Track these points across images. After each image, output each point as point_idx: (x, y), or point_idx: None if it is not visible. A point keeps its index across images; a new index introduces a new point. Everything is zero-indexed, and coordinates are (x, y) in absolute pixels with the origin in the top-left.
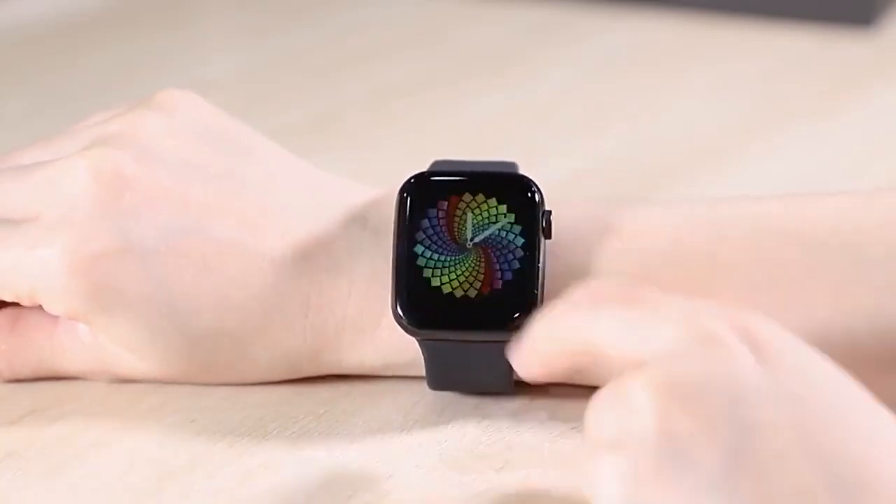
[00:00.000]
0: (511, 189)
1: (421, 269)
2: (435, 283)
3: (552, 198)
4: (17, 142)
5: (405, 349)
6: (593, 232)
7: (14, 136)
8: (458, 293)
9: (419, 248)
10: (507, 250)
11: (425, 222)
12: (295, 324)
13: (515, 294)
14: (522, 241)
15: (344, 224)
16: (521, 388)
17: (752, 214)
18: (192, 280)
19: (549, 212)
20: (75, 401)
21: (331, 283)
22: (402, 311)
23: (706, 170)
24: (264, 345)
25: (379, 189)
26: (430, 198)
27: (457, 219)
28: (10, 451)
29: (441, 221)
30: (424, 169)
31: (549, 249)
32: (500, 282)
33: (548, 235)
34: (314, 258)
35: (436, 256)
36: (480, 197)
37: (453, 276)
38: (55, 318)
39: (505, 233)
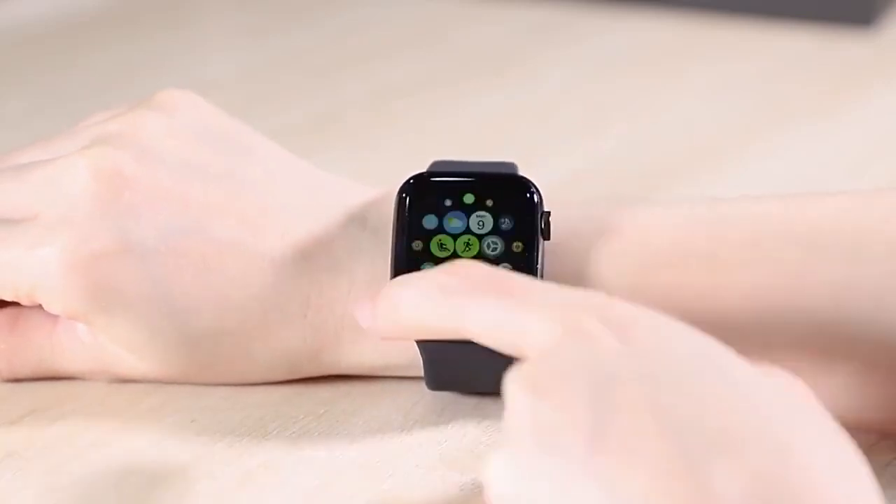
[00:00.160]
0: (510, 190)
1: (420, 269)
2: None
3: (552, 198)
4: (17, 142)
5: (405, 349)
6: (593, 232)
7: (14, 136)
8: None
9: (418, 248)
10: (506, 251)
11: (424, 222)
12: (295, 324)
13: None
14: (521, 242)
15: (344, 224)
16: None
17: (752, 214)
18: (192, 280)
19: (548, 213)
20: (75, 401)
21: (331, 282)
22: None
23: (706, 170)
24: (264, 345)
25: (379, 189)
26: (429, 198)
27: (456, 219)
28: (10, 451)
29: (440, 221)
30: (424, 169)
31: (548, 250)
32: None
33: (547, 236)
34: (314, 258)
35: (435, 257)
36: (480, 197)
37: None
38: (55, 317)
39: (504, 233)
